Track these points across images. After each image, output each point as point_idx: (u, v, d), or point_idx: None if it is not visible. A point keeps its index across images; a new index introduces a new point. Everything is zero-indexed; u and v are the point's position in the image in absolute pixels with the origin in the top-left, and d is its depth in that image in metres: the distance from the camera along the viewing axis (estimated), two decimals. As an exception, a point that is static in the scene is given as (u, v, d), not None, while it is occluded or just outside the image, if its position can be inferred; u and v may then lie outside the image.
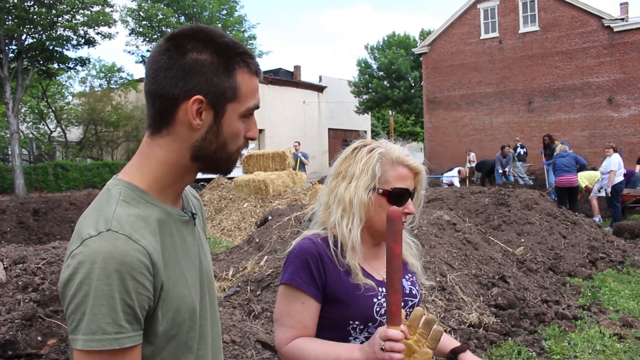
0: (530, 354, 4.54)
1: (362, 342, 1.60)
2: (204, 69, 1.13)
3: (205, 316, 1.28)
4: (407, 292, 1.69)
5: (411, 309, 1.67)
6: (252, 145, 23.92)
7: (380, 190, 1.62)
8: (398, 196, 1.62)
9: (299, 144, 17.34)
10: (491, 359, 4.46)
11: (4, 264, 4.31)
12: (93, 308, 1.00)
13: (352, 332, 1.60)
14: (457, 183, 18.53)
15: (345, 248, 1.61)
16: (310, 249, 1.62)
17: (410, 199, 1.66)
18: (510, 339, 4.86)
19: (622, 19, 22.79)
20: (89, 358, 1.02)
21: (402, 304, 1.61)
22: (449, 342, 1.75)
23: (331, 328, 1.61)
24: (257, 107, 1.22)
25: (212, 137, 1.17)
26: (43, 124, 34.47)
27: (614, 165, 11.50)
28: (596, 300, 6.02)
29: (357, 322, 1.60)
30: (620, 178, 11.53)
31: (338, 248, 1.61)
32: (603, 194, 11.90)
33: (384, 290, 1.61)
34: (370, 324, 1.61)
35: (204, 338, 1.27)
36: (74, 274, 1.02)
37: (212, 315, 1.33)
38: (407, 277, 1.73)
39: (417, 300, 1.72)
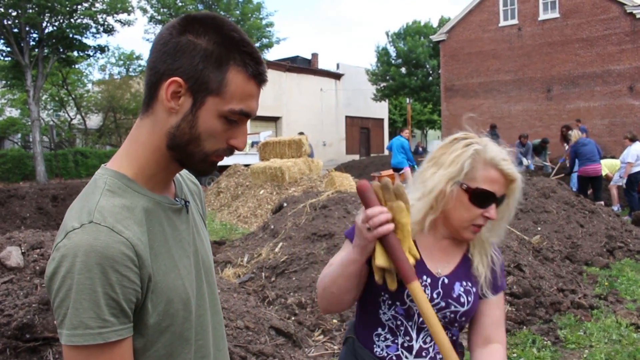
0: (545, 342, 4.52)
1: (388, 319, 1.64)
2: (193, 52, 1.08)
3: (203, 305, 1.26)
4: (455, 296, 1.65)
5: (453, 315, 1.64)
6: (268, 132, 23.94)
7: (465, 186, 1.56)
8: (480, 197, 1.56)
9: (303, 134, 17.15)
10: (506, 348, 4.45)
11: (21, 249, 4.38)
12: (75, 303, 0.99)
13: (382, 304, 1.63)
14: None
15: (415, 226, 1.60)
16: None
17: (495, 204, 1.57)
18: (525, 327, 4.84)
19: (645, 5, 22.33)
20: (75, 353, 1.01)
21: (444, 304, 1.62)
22: None
23: (369, 292, 1.65)
24: (246, 114, 1.13)
25: (186, 127, 1.11)
26: (63, 112, 34.85)
27: (631, 157, 11.29)
28: (613, 290, 5.96)
29: (386, 296, 1.62)
30: (638, 168, 11.32)
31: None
32: (622, 182, 11.72)
33: (429, 280, 1.63)
34: (398, 303, 1.61)
35: (203, 327, 1.25)
36: (57, 267, 1.01)
37: (213, 304, 1.31)
38: (463, 282, 1.67)
39: (462, 309, 1.65)
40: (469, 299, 1.65)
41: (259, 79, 1.14)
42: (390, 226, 1.37)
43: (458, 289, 1.65)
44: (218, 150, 1.16)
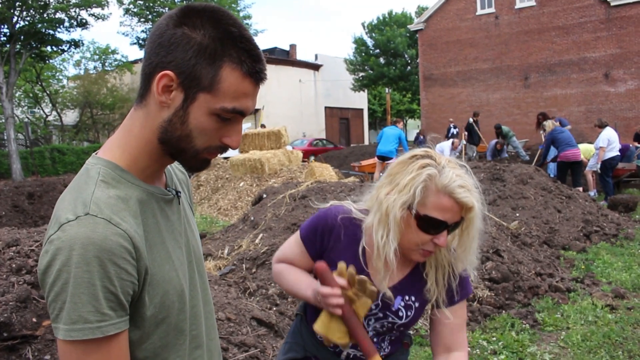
0: (524, 326, 4.59)
1: None
2: (187, 46, 1.05)
3: (196, 296, 1.25)
4: (393, 309, 1.65)
5: (390, 324, 1.67)
6: (248, 124, 23.84)
7: (414, 212, 1.49)
8: (429, 224, 1.50)
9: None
10: (485, 331, 4.51)
11: (-3, 246, 4.32)
12: (73, 297, 0.97)
13: None
14: (447, 153, 18.51)
15: (380, 253, 1.56)
16: (328, 220, 1.68)
17: (447, 232, 1.51)
18: (504, 311, 4.90)
19: (619, -7, 22.61)
20: (72, 347, 0.99)
21: (382, 315, 1.67)
22: None
23: None
24: (238, 112, 1.09)
25: (177, 123, 1.08)
26: (38, 108, 34.30)
27: (602, 141, 11.47)
28: (589, 273, 6.07)
29: None
30: (613, 153, 11.48)
31: (375, 247, 1.59)
32: (597, 168, 11.91)
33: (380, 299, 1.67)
34: None
35: (197, 318, 1.24)
36: (52, 260, 0.98)
37: (204, 294, 1.31)
38: (405, 297, 1.66)
39: (400, 322, 1.66)
40: (409, 313, 1.65)
41: (256, 77, 1.10)
42: (338, 310, 1.46)
43: (398, 303, 1.65)
44: (210, 148, 1.13)
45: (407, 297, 1.66)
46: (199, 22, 1.06)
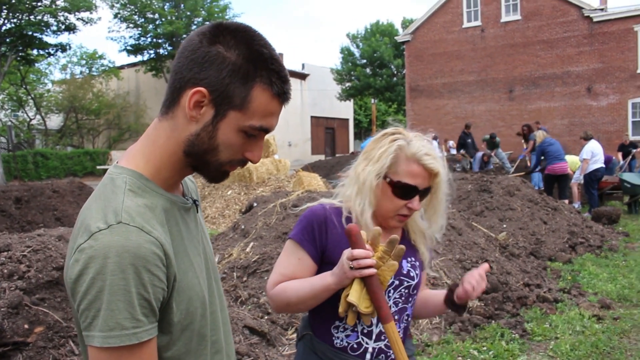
0: (513, 335, 4.65)
1: None
2: (222, 65, 1.08)
3: (214, 302, 1.27)
4: (404, 272, 1.75)
5: (407, 290, 1.75)
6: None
7: (388, 179, 1.68)
8: (402, 190, 1.67)
9: None
10: (476, 341, 4.56)
11: (-12, 252, 4.28)
12: (110, 304, 0.98)
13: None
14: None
15: (359, 220, 1.71)
16: (318, 212, 1.74)
17: (419, 197, 1.69)
18: (493, 321, 4.96)
19: (602, 9, 23.04)
20: (107, 354, 1.00)
21: (398, 282, 1.72)
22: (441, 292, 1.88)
23: None
24: (265, 130, 1.14)
25: (205, 137, 1.12)
26: (22, 112, 33.95)
27: (586, 153, 11.64)
28: (576, 284, 6.17)
29: (343, 289, 1.67)
30: (596, 165, 11.65)
31: (353, 217, 1.72)
32: (582, 181, 12.09)
33: None
34: None
35: (216, 323, 1.27)
36: (85, 269, 0.99)
37: (220, 300, 1.33)
38: (408, 259, 1.78)
39: (414, 282, 1.77)
40: (417, 272, 1.79)
41: (283, 98, 1.15)
42: (373, 271, 1.46)
43: (406, 265, 1.77)
44: (233, 161, 1.17)
45: (409, 259, 1.79)
46: (233, 41, 1.09)
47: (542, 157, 11.79)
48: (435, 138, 19.82)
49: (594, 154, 11.63)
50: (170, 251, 1.08)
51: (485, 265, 1.75)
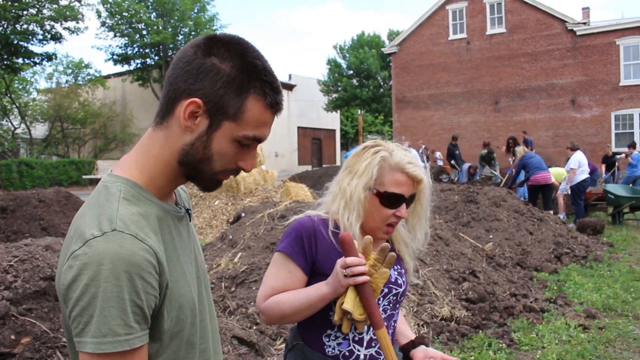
0: (501, 345, 4.68)
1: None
2: (216, 77, 1.11)
3: (204, 310, 1.28)
4: (392, 280, 1.78)
5: (395, 297, 1.78)
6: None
7: (375, 191, 1.71)
8: (389, 199, 1.71)
9: None
10: (463, 351, 4.58)
11: (-26, 262, 4.23)
12: (103, 310, 0.99)
13: (332, 306, 1.66)
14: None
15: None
16: (306, 224, 1.75)
17: (405, 205, 1.73)
18: (481, 331, 4.99)
19: (584, 23, 23.42)
20: None
21: (387, 290, 1.75)
22: (407, 332, 1.90)
23: None
24: (258, 140, 1.17)
25: (200, 147, 1.14)
26: (6, 120, 33.59)
27: (574, 163, 11.78)
28: (562, 294, 6.23)
29: (334, 299, 1.68)
30: (583, 176, 11.79)
31: (337, 229, 1.74)
32: (568, 191, 12.23)
33: None
34: None
35: (205, 332, 1.28)
36: (78, 275, 1.00)
37: (210, 309, 1.35)
38: (395, 267, 1.81)
39: (401, 290, 1.80)
40: (403, 279, 1.84)
41: (276, 108, 1.18)
42: (366, 278, 1.51)
43: (394, 273, 1.80)
44: (226, 170, 1.20)
45: (396, 267, 1.83)
46: (227, 53, 1.12)
47: (524, 170, 11.92)
48: (425, 149, 19.88)
49: (580, 164, 11.78)
50: (163, 259, 1.09)
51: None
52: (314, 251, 1.72)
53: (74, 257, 1.02)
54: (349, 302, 1.51)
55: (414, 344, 1.81)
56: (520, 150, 12.20)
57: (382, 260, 1.54)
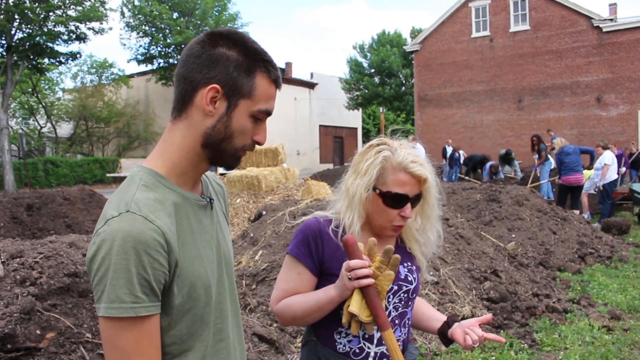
0: (522, 346, 4.63)
1: None
2: (227, 62, 1.26)
3: (223, 293, 1.39)
4: (402, 277, 1.78)
5: (406, 294, 1.79)
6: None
7: (377, 191, 1.71)
8: (392, 199, 1.70)
9: None
10: (484, 351, 4.55)
11: (1, 258, 4.32)
12: (112, 280, 1.12)
13: (343, 305, 1.68)
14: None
15: (347, 232, 1.73)
16: (312, 225, 1.77)
17: (410, 204, 1.71)
18: (502, 331, 4.95)
19: (611, 20, 23.02)
20: (110, 324, 1.14)
21: (397, 287, 1.75)
22: (438, 316, 1.92)
23: None
24: (268, 112, 1.32)
25: (222, 127, 1.27)
26: (33, 120, 34.26)
27: (608, 159, 11.59)
28: (585, 294, 6.13)
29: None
30: (614, 176, 11.62)
31: (340, 229, 1.75)
32: (592, 191, 12.04)
33: None
34: None
35: (222, 313, 1.38)
36: (98, 250, 1.14)
37: (231, 294, 1.45)
38: (405, 264, 1.82)
39: (412, 286, 1.80)
40: (414, 276, 1.83)
41: (278, 83, 1.34)
42: (370, 281, 1.52)
43: (403, 270, 1.80)
44: (245, 146, 1.33)
45: (406, 264, 1.82)
46: (230, 43, 1.28)
47: (557, 167, 11.72)
48: (455, 148, 19.70)
49: (613, 161, 11.63)
50: (172, 239, 1.20)
51: (489, 317, 1.83)
52: (320, 252, 1.74)
53: (97, 234, 1.17)
54: (355, 305, 1.54)
55: (448, 325, 1.83)
56: (558, 142, 11.87)
57: (386, 262, 1.55)
